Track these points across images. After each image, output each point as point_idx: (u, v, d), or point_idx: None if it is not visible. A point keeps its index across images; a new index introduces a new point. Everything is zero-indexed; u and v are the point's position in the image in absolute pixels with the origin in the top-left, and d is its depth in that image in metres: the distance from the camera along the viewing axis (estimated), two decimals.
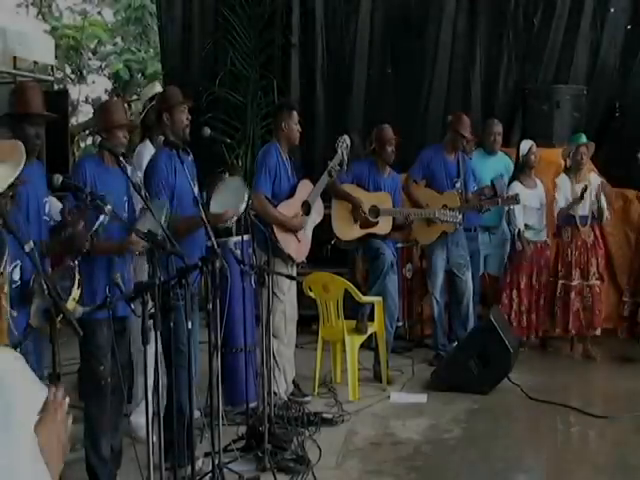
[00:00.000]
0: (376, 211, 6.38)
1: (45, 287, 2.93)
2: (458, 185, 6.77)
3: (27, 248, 3.13)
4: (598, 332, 7.03)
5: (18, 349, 3.28)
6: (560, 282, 7.03)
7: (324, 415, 5.54)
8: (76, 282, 3.44)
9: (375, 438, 5.30)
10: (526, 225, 7.05)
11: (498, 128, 7.32)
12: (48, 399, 1.67)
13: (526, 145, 7.09)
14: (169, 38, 9.56)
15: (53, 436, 1.64)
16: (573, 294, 6.94)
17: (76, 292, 3.41)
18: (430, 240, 6.74)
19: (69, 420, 1.71)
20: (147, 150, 5.29)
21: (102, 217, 3.77)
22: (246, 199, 4.60)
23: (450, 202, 6.63)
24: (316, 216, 5.87)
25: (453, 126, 6.80)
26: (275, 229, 5.53)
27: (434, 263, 6.80)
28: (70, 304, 3.32)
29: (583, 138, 6.94)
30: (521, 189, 6.96)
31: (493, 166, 7.24)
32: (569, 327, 6.97)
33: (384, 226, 6.38)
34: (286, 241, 5.59)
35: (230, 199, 4.60)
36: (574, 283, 6.94)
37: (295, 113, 5.77)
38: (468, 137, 6.80)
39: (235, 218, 4.65)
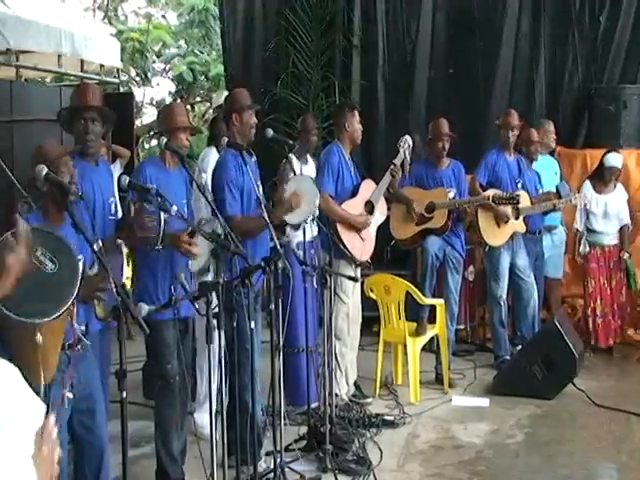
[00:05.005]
0: (432, 206, 6.34)
1: (113, 286, 2.98)
2: (520, 185, 6.69)
3: (95, 247, 3.19)
4: None
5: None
6: None
7: (385, 417, 5.53)
8: (124, 258, 3.46)
9: (436, 441, 5.27)
10: (590, 229, 6.95)
11: (551, 127, 7.26)
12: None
13: (610, 161, 6.95)
14: (231, 40, 9.64)
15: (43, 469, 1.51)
16: None
17: (127, 270, 3.44)
18: (501, 242, 6.62)
19: (57, 450, 1.57)
20: (212, 155, 5.41)
21: (164, 216, 3.82)
22: (318, 196, 4.66)
23: (521, 203, 6.54)
24: (379, 216, 5.86)
25: (502, 122, 6.78)
26: (339, 229, 5.55)
27: (501, 265, 6.68)
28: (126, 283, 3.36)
29: None
30: (588, 189, 6.90)
31: (539, 168, 7.11)
32: None
33: (438, 220, 6.32)
34: (350, 241, 5.60)
35: (304, 200, 4.65)
36: None
37: (357, 113, 5.79)
38: (514, 126, 6.68)
39: (310, 217, 4.70)
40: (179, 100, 14.88)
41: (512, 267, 6.71)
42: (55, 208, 3.36)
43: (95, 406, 3.50)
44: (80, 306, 3.32)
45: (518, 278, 6.73)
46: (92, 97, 3.94)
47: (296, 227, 4.93)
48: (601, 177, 6.98)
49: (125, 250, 3.48)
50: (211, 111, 16.37)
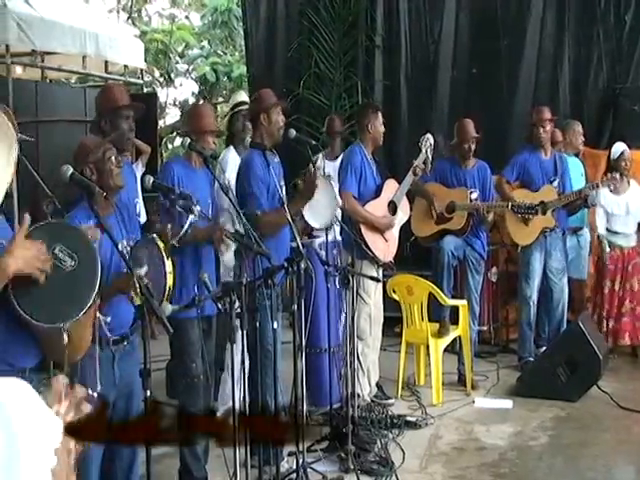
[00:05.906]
0: (452, 207, 6.31)
1: (137, 286, 2.99)
2: (555, 184, 6.61)
3: (120, 247, 3.20)
4: None
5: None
6: None
7: (408, 418, 5.52)
8: (163, 252, 3.39)
9: (459, 443, 5.24)
10: (609, 230, 6.88)
11: (579, 128, 7.21)
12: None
13: (618, 149, 6.88)
14: (254, 41, 9.68)
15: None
16: None
17: (169, 264, 3.37)
18: (532, 239, 6.55)
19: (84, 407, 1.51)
20: (231, 155, 5.43)
21: (191, 217, 3.82)
22: (339, 202, 4.65)
23: (547, 197, 6.48)
24: (402, 215, 5.85)
25: (534, 119, 6.70)
26: (363, 229, 5.53)
27: (531, 265, 6.61)
28: (169, 279, 3.31)
29: None
30: (606, 193, 6.79)
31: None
32: None
33: (457, 221, 6.29)
34: (374, 241, 5.59)
35: (322, 202, 4.64)
36: None
37: (380, 114, 5.78)
38: (545, 121, 6.60)
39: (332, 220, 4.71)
40: (202, 101, 14.93)
41: (545, 268, 6.65)
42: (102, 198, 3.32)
43: (133, 405, 3.49)
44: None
45: (549, 280, 6.67)
46: (126, 96, 3.99)
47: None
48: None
49: (161, 244, 3.41)
50: (225, 109, 16.41)
